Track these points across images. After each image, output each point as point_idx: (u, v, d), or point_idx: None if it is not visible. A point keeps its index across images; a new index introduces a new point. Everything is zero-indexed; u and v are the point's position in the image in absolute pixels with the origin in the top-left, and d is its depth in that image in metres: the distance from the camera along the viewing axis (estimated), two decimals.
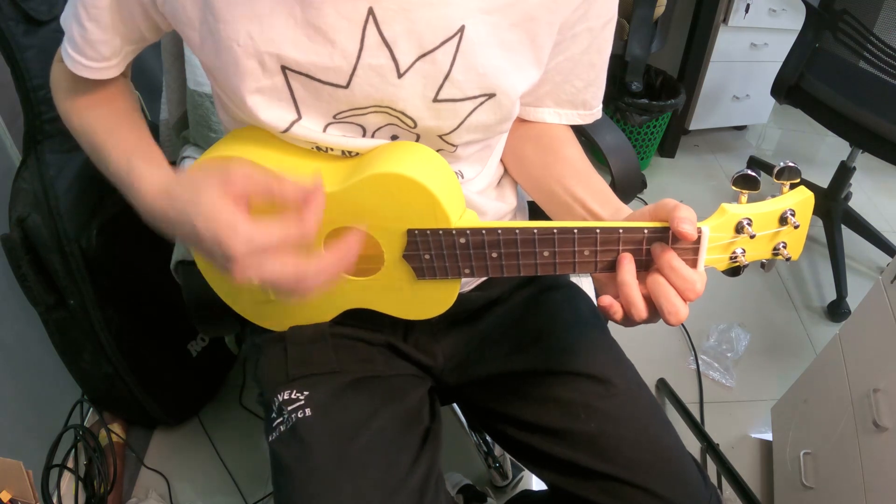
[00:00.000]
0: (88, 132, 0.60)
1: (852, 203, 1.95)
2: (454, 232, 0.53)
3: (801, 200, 0.50)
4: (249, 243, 0.44)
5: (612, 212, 0.60)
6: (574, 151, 0.67)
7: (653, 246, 0.49)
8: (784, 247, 0.52)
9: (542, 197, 0.68)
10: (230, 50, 0.50)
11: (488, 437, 1.22)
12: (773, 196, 0.51)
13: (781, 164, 0.49)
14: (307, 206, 0.46)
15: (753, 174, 0.48)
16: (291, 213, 0.46)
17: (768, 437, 1.38)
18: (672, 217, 0.47)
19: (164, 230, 0.52)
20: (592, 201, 0.61)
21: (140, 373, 1.15)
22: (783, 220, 0.50)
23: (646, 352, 1.56)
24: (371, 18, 0.48)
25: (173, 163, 1.01)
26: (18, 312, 1.05)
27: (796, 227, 0.50)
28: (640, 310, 0.49)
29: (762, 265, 0.55)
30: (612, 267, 0.52)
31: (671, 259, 0.48)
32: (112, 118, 0.60)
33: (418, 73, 0.51)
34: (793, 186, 0.50)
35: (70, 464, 1.12)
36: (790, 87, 1.69)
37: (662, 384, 1.45)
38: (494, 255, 0.53)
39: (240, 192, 0.46)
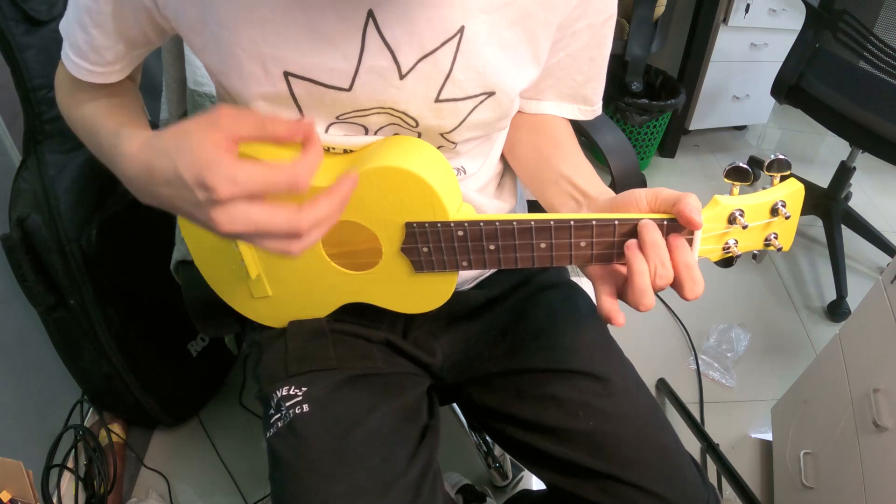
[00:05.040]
0: (87, 117, 0.58)
1: (852, 203, 1.95)
2: (452, 224, 0.53)
3: (791, 192, 0.51)
4: (234, 183, 0.41)
5: (598, 191, 0.60)
6: (565, 137, 0.67)
7: (669, 237, 0.49)
8: (775, 237, 0.53)
9: (531, 178, 0.68)
10: (233, 55, 0.50)
11: (488, 437, 1.22)
12: (765, 188, 0.52)
13: (772, 156, 0.50)
14: (302, 149, 0.43)
15: (745, 166, 0.49)
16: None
17: (768, 437, 1.38)
18: (683, 203, 0.47)
19: (146, 188, 0.46)
20: (579, 178, 0.62)
21: (140, 373, 1.15)
22: (774, 211, 0.51)
23: (646, 352, 1.56)
24: (371, 21, 0.48)
25: None
26: (18, 312, 1.05)
27: (787, 217, 0.51)
28: (652, 299, 0.49)
29: (754, 256, 0.56)
30: (608, 258, 0.52)
31: (687, 257, 0.48)
32: (109, 106, 0.60)
33: (420, 74, 0.52)
34: (783, 178, 0.51)
35: (70, 464, 1.12)
36: (790, 87, 1.69)
37: (662, 384, 1.45)
38: (492, 247, 0.54)
39: (228, 134, 0.42)
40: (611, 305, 0.51)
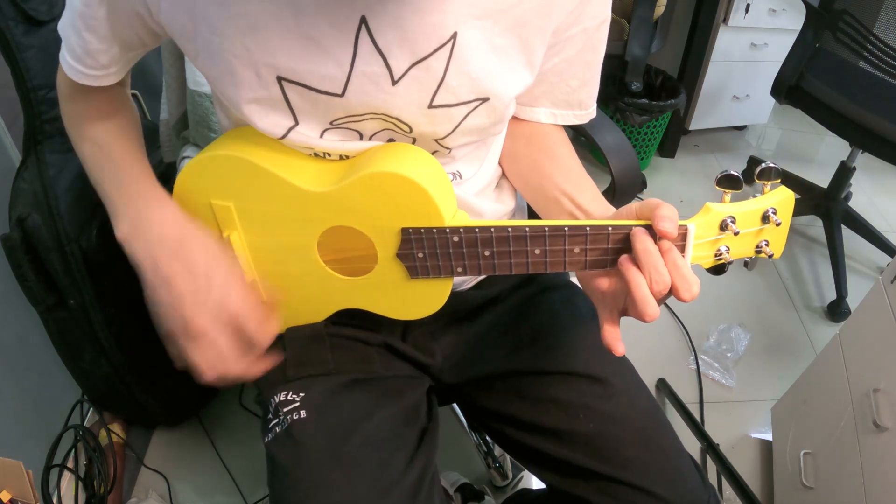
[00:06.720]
0: (89, 157, 0.62)
1: (852, 203, 1.95)
2: (448, 230, 0.53)
3: (782, 199, 0.52)
4: (212, 342, 0.55)
5: (602, 209, 0.60)
6: (565, 151, 0.67)
7: (661, 242, 0.50)
8: (766, 244, 0.54)
9: (532, 193, 0.68)
10: (226, 61, 0.50)
11: (488, 437, 1.22)
12: (755, 196, 0.53)
13: (763, 165, 0.51)
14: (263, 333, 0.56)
15: (736, 174, 0.50)
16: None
17: (768, 437, 1.38)
18: (654, 216, 0.48)
19: (141, 262, 0.60)
20: (581, 197, 0.62)
21: (140, 373, 1.15)
22: (765, 218, 0.52)
23: (646, 352, 1.56)
24: (364, 27, 0.48)
25: (172, 163, 1.01)
26: (18, 312, 1.05)
27: (778, 224, 0.52)
28: (655, 308, 0.49)
29: (745, 264, 0.56)
30: (601, 264, 0.53)
31: (675, 258, 0.49)
32: (109, 141, 0.61)
33: (412, 80, 0.51)
34: (773, 187, 0.52)
35: (70, 464, 1.12)
36: (790, 87, 1.69)
37: (662, 384, 1.45)
38: (487, 253, 0.54)
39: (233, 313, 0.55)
40: (612, 337, 0.52)
